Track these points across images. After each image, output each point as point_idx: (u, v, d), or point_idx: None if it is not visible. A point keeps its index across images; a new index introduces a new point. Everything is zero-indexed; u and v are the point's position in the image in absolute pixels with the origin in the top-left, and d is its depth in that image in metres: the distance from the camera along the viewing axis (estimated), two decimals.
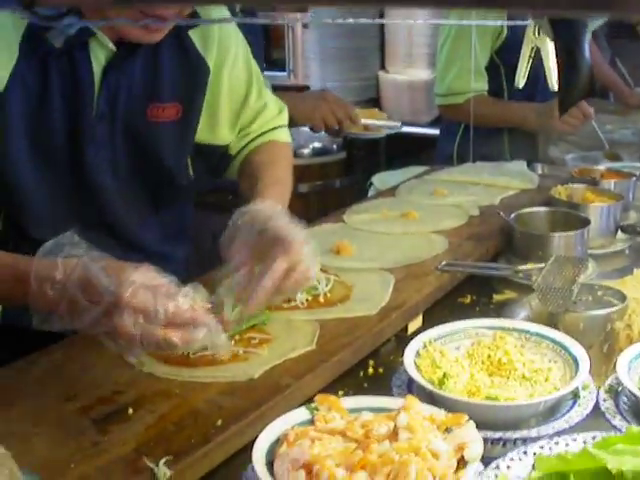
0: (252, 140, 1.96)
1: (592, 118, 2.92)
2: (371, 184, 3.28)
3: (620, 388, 1.36)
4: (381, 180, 3.25)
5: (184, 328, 1.28)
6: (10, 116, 1.55)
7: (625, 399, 1.34)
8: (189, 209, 2.03)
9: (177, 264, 1.85)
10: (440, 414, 1.15)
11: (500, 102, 3.15)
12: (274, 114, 2.01)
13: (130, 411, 1.34)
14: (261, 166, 1.87)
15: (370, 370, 1.55)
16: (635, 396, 1.30)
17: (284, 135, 2.03)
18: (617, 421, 1.29)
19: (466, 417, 1.14)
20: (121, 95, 1.65)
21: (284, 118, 2.04)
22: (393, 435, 1.08)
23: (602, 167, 2.51)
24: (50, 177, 1.63)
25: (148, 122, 1.72)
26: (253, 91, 1.94)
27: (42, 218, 1.66)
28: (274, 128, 2.00)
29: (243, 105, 1.93)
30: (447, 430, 1.13)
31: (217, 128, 1.90)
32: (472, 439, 1.09)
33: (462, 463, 1.08)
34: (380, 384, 1.48)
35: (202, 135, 1.87)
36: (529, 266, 1.84)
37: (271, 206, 1.59)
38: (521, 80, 1.81)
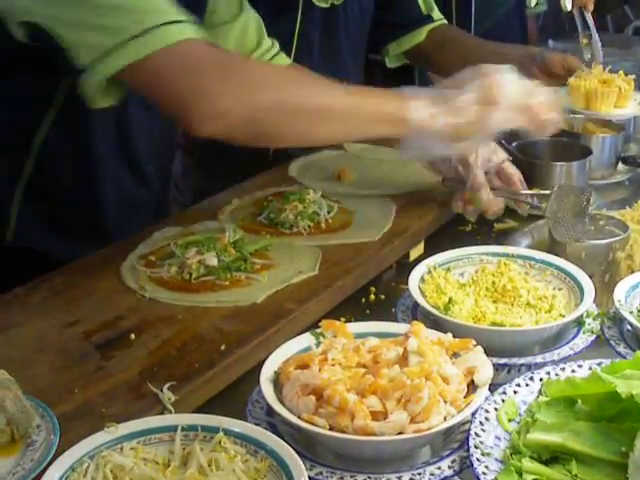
0: None
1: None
2: None
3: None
4: None
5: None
6: None
7: (629, 327, 1.34)
8: None
9: None
10: (448, 339, 1.15)
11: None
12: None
13: (132, 336, 1.32)
14: None
15: (372, 297, 1.54)
16: (632, 325, 1.30)
17: None
18: (621, 348, 1.29)
19: (474, 341, 1.14)
20: None
21: None
22: (402, 360, 1.07)
23: None
24: None
25: None
26: None
27: None
28: None
29: None
30: (454, 355, 1.13)
31: None
32: (481, 363, 1.09)
33: (472, 387, 1.07)
34: (382, 310, 1.48)
35: None
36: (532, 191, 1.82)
37: None
38: None
